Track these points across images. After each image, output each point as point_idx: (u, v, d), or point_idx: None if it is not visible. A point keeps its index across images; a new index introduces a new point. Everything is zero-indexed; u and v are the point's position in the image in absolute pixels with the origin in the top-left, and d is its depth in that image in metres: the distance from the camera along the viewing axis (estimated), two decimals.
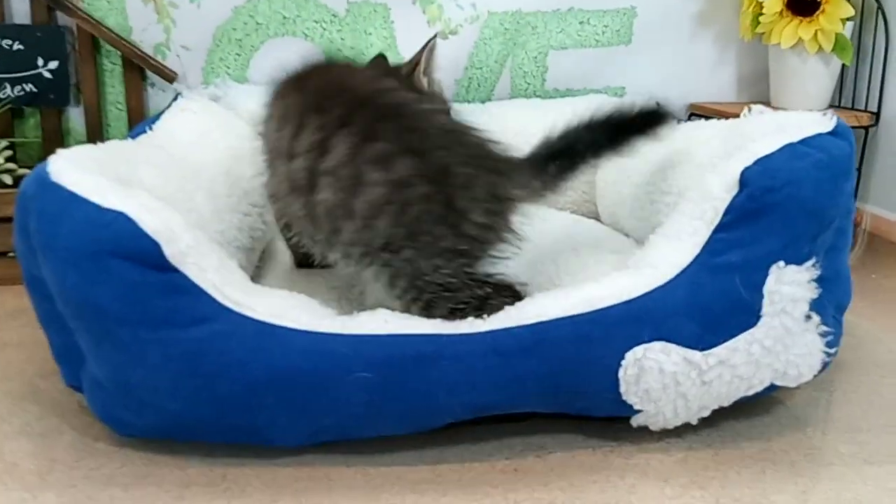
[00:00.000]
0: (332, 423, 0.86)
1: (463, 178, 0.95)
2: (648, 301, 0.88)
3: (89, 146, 1.01)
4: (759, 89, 1.85)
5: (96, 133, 1.68)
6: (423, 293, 0.95)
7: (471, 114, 1.63)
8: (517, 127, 1.61)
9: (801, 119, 1.02)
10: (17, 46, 1.60)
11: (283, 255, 1.31)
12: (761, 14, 1.62)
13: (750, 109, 1.14)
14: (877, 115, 1.73)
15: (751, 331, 0.89)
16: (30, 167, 1.58)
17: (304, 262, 1.20)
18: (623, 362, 0.87)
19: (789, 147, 0.92)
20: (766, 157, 0.91)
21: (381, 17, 1.72)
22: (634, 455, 0.93)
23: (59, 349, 0.95)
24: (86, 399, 0.91)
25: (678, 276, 0.90)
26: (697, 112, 1.80)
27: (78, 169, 0.86)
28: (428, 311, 0.94)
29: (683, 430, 0.96)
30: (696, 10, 1.81)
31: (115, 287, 0.80)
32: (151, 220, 0.81)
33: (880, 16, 1.69)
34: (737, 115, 1.61)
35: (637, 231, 1.32)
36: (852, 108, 1.79)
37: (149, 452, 0.91)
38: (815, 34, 1.58)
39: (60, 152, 0.91)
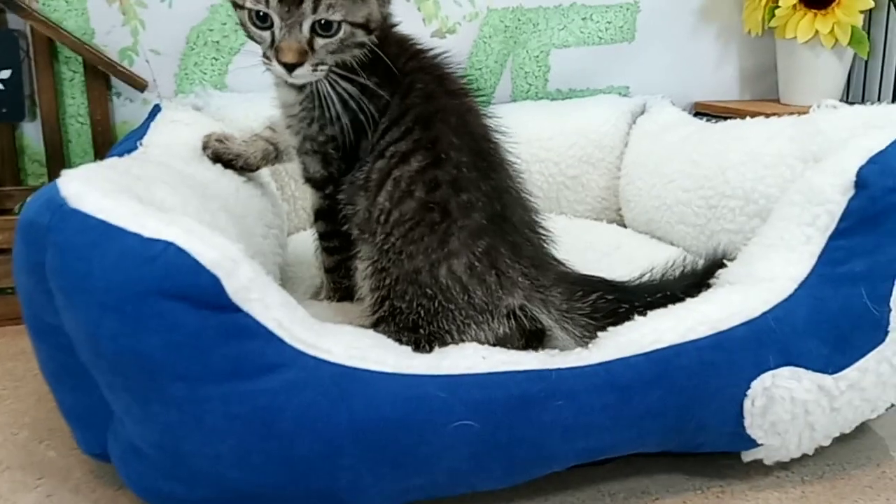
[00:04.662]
0: (425, 481, 0.73)
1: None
2: (771, 320, 0.78)
3: (93, 164, 0.85)
4: (764, 86, 1.79)
5: (56, 150, 1.48)
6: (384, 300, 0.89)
7: None
8: (529, 132, 1.52)
9: (888, 112, 0.95)
10: None
11: (302, 283, 1.16)
12: (777, 7, 1.55)
13: (819, 105, 1.05)
14: None
15: (879, 348, 0.80)
16: None
17: (346, 295, 1.06)
18: (749, 392, 0.77)
19: None
20: (882, 153, 0.82)
21: None
22: (748, 494, 0.83)
23: (74, 410, 0.79)
24: (118, 469, 0.75)
25: (798, 290, 0.80)
26: (703, 111, 1.73)
27: (99, 191, 0.71)
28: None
29: (791, 463, 0.86)
30: (697, 5, 1.73)
31: (168, 334, 0.65)
32: (206, 249, 0.67)
33: (892, 7, 1.65)
34: (744, 113, 1.57)
35: (687, 239, 1.23)
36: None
37: None
38: (832, 27, 1.52)
39: (68, 173, 0.75)
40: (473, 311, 0.86)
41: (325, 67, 0.90)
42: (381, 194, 0.90)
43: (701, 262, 0.92)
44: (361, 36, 0.90)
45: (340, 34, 0.88)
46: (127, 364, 0.66)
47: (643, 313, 0.81)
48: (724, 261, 0.89)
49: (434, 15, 1.60)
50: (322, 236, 1.05)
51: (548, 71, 1.68)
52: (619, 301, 0.83)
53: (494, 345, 0.89)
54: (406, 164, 0.89)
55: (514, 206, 0.91)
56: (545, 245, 0.93)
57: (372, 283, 0.91)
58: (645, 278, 0.90)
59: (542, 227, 0.94)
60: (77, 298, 0.66)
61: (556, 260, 0.92)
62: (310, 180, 1.02)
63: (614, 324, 0.81)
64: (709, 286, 0.87)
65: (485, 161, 0.90)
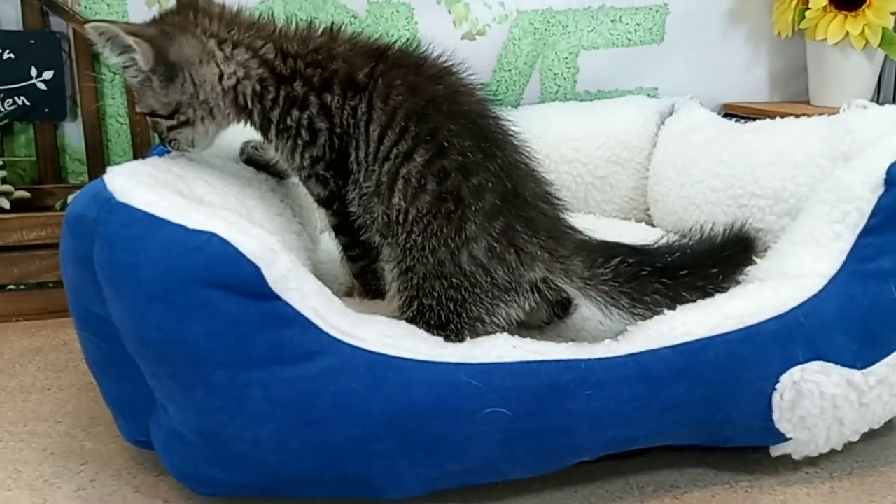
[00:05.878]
0: (458, 468, 0.75)
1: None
2: (800, 315, 0.79)
3: (135, 162, 0.88)
4: (794, 87, 1.79)
5: (96, 149, 1.52)
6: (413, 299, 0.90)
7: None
8: (558, 133, 1.53)
9: None
10: (7, 55, 1.44)
11: (335, 280, 1.18)
12: (807, 9, 1.55)
13: (849, 105, 1.06)
14: None
15: None
16: (24, 189, 1.44)
17: (377, 295, 1.07)
18: (778, 386, 0.77)
19: None
20: None
21: (403, 18, 1.60)
22: (776, 489, 0.84)
23: (118, 398, 0.82)
24: (160, 455, 0.77)
25: (827, 286, 0.81)
26: (732, 112, 1.73)
27: (144, 186, 0.74)
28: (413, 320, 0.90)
29: (819, 459, 0.87)
30: (727, 7, 1.73)
31: (210, 322, 0.68)
32: (247, 240, 0.69)
33: None
34: (774, 115, 1.56)
35: None
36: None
37: None
38: (863, 29, 1.52)
39: (114, 169, 0.78)
40: (499, 290, 0.87)
41: (175, 144, 0.98)
42: (395, 195, 0.91)
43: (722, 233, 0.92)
44: (164, 122, 0.95)
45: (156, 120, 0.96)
46: (171, 352, 0.69)
47: (665, 276, 0.83)
48: (752, 254, 0.89)
49: (464, 17, 1.62)
50: (345, 247, 1.08)
51: (577, 72, 1.69)
52: (641, 264, 0.84)
53: (524, 320, 0.93)
54: (411, 161, 0.90)
55: (525, 181, 0.91)
56: (561, 214, 0.93)
57: (400, 284, 0.93)
58: (663, 241, 0.90)
59: (555, 197, 0.94)
60: (124, 288, 0.69)
61: (573, 228, 0.93)
62: (318, 202, 1.04)
63: (637, 288, 0.83)
64: (738, 281, 0.88)
65: (487, 140, 0.90)
